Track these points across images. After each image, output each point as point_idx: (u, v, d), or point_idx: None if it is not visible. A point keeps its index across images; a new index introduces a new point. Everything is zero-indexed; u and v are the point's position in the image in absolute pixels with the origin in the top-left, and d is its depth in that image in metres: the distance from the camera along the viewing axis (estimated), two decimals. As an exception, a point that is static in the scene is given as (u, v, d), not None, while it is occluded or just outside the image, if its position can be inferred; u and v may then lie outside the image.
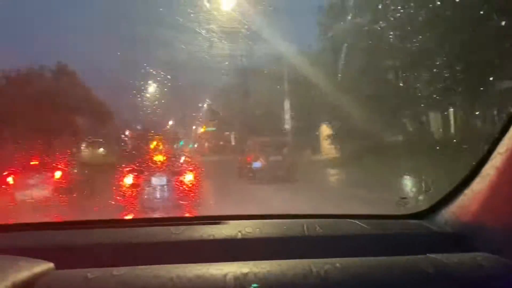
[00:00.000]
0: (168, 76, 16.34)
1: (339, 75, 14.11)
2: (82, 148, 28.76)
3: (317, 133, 19.65)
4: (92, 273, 1.20)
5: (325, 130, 18.52)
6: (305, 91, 16.09)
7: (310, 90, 15.78)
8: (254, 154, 14.25)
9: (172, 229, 1.62)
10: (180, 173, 9.75)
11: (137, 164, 10.32)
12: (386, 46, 13.52)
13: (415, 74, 12.95)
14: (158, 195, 9.31)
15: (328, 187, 12.85)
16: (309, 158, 18.50)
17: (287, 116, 16.37)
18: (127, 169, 9.99)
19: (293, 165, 13.85)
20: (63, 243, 1.58)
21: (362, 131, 14.20)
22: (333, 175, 15.03)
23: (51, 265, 1.26)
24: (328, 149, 17.72)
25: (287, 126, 16.67)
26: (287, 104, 16.17)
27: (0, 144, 18.45)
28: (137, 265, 1.26)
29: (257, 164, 13.79)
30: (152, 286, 1.13)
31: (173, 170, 9.97)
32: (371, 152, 13.39)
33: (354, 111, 14.68)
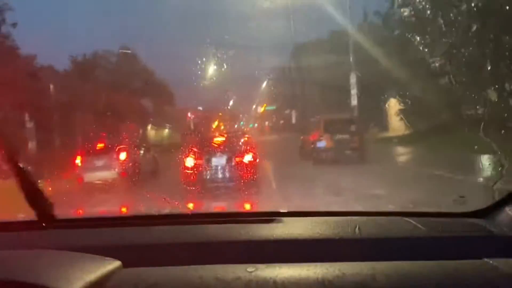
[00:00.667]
0: (228, 56, 16.05)
1: (409, 45, 12.88)
2: (147, 129, 29.76)
3: (384, 109, 18.43)
4: (160, 272, 1.21)
5: (393, 105, 17.27)
6: (372, 64, 14.95)
7: (378, 63, 14.65)
8: (318, 132, 12.93)
9: (232, 227, 1.62)
10: (241, 153, 9.75)
11: (199, 144, 10.46)
12: (466, 10, 12.03)
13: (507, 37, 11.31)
14: (219, 177, 9.31)
15: (402, 168, 11.53)
16: (376, 136, 17.16)
17: (353, 91, 15.09)
18: (190, 149, 10.10)
19: (361, 144, 12.50)
20: (129, 241, 1.57)
21: (435, 105, 13.00)
22: (404, 154, 13.53)
23: (119, 263, 1.24)
24: (397, 125, 16.42)
25: (353, 101, 15.34)
26: (353, 78, 14.91)
27: (68, 128, 19.44)
28: (201, 264, 1.25)
29: (321, 144, 12.51)
30: (216, 286, 1.12)
31: (234, 150, 9.94)
32: (446, 128, 12.22)
33: (427, 83, 13.51)
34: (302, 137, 15.06)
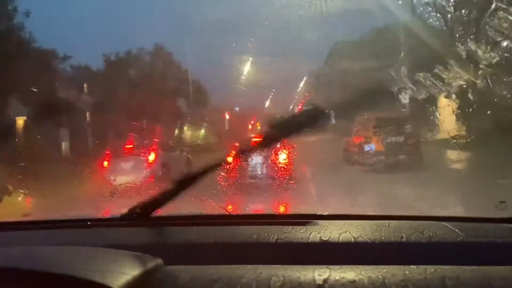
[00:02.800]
0: (265, 57, 15.25)
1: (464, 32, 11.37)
2: (183, 129, 29.44)
3: (434, 107, 16.83)
4: (200, 270, 1.21)
5: (444, 103, 15.68)
6: (421, 56, 13.57)
7: (428, 56, 13.23)
8: (365, 133, 11.58)
9: (269, 228, 1.62)
10: (279, 156, 9.41)
11: (235, 146, 9.71)
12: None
13: None
14: (256, 178, 9.27)
15: (469, 176, 9.91)
16: (426, 138, 15.52)
17: (404, 87, 13.48)
18: (226, 149, 9.87)
19: (417, 147, 11.05)
20: (168, 240, 1.63)
21: (497, 102, 11.50)
22: (465, 160, 11.86)
23: (161, 260, 1.25)
24: (450, 126, 14.79)
25: (404, 99, 13.65)
26: (403, 72, 13.34)
27: (100, 129, 19.20)
28: (239, 264, 1.25)
29: (369, 147, 11.13)
30: (257, 285, 1.12)
31: (271, 154, 9.49)
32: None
33: (487, 75, 12.05)
34: (346, 139, 13.50)
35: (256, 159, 9.54)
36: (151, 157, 11.48)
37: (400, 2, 14.53)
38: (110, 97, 18.67)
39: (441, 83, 14.89)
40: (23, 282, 1.08)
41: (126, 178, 10.56)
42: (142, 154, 11.63)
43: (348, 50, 23.49)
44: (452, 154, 12.14)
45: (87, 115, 20.25)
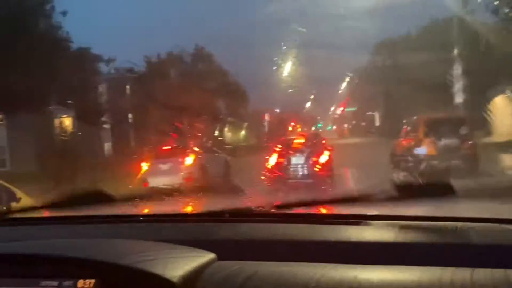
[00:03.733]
0: (306, 57, 14.75)
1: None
2: (223, 131, 29.38)
3: (489, 108, 15.59)
4: (253, 266, 1.21)
5: (501, 103, 14.49)
6: (473, 58, 12.51)
7: (482, 56, 12.20)
8: (415, 136, 10.43)
9: (320, 227, 1.60)
10: (321, 160, 9.51)
11: (276, 149, 10.39)
12: None
13: None
14: (298, 179, 9.40)
15: None
16: (481, 141, 14.09)
17: (457, 86, 12.27)
18: (267, 151, 10.34)
19: (474, 151, 9.77)
20: (221, 236, 1.58)
21: None
22: None
23: (214, 255, 1.27)
24: (506, 128, 13.53)
25: (458, 99, 12.50)
26: (457, 70, 12.19)
27: (141, 130, 19.37)
28: (292, 261, 1.25)
29: (421, 150, 9.93)
30: (309, 284, 1.12)
31: (312, 158, 9.68)
32: None
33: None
34: (394, 142, 12.31)
35: (298, 160, 9.71)
36: (189, 160, 11.30)
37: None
38: (151, 98, 18.76)
39: (496, 83, 13.76)
40: (77, 270, 1.10)
41: (163, 180, 10.45)
42: (180, 156, 11.49)
43: (394, 46, 22.43)
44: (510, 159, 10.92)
45: (129, 116, 20.50)
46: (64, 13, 15.60)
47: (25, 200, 3.30)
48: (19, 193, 3.46)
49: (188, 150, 11.97)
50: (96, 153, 18.24)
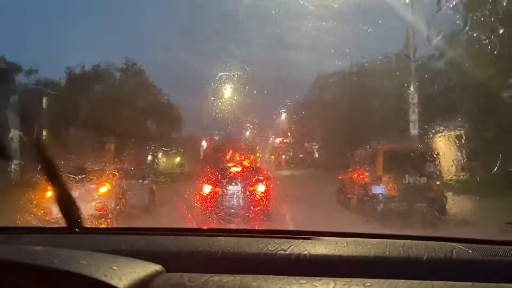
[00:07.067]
0: (245, 84, 13.64)
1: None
2: (156, 156, 27.34)
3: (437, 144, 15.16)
4: (201, 278, 1.26)
5: (449, 140, 14.04)
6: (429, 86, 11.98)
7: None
8: (371, 170, 9.02)
9: (271, 241, 1.67)
10: (258, 192, 9.06)
11: (212, 178, 9.89)
12: None
13: None
14: (233, 210, 8.81)
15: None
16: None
17: (413, 116, 11.23)
18: (202, 181, 9.78)
19: (442, 192, 8.22)
20: (170, 248, 1.68)
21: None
22: (482, 207, 8.71)
23: (161, 267, 1.33)
24: (461, 169, 12.63)
25: (413, 130, 10.94)
26: (413, 99, 11.26)
27: (56, 149, 17.02)
28: (239, 274, 1.30)
29: (378, 189, 8.44)
30: None
31: (249, 189, 9.24)
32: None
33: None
34: (341, 177, 10.77)
35: (234, 190, 9.35)
36: (103, 188, 9.47)
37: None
38: (71, 115, 16.52)
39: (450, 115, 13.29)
40: (32, 278, 1.17)
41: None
42: (95, 183, 9.58)
43: (333, 80, 22.12)
44: (471, 201, 9.65)
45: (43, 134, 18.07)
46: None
47: None
48: None
49: (105, 176, 10.15)
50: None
